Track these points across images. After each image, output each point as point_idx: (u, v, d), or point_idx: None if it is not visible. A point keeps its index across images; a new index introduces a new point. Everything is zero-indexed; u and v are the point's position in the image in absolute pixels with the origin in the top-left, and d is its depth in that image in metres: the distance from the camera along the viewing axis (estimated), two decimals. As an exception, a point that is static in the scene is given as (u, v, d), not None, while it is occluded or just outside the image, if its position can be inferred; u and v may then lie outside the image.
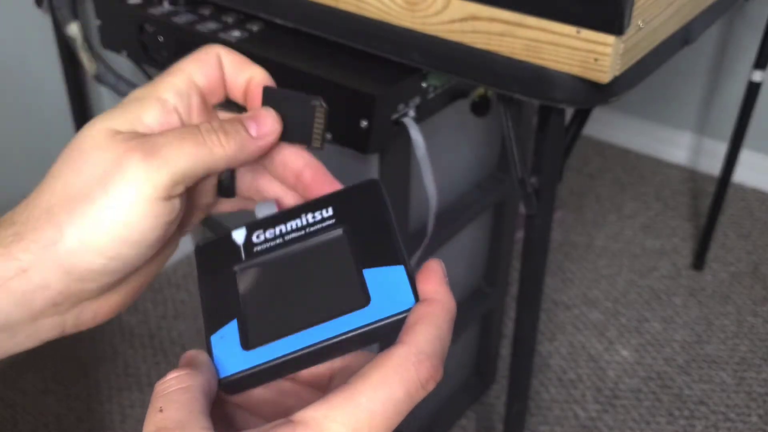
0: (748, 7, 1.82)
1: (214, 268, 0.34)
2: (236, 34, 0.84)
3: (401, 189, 0.89)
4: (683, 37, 0.74)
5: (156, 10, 0.89)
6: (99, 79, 1.26)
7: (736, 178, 1.91)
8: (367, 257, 0.32)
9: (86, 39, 1.22)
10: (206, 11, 0.88)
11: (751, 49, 1.52)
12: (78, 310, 0.33)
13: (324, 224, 0.34)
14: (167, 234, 0.32)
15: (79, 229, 0.30)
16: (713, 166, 1.98)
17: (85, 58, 1.22)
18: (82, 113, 1.35)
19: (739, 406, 1.41)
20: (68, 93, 1.32)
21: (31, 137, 1.33)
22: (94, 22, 0.99)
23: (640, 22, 0.62)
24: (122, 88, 1.28)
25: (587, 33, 0.60)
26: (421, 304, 0.30)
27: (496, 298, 1.25)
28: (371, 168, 0.84)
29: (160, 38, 0.88)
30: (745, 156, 1.80)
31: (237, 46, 0.82)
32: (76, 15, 1.19)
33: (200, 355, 0.31)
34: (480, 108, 0.89)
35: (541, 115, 0.76)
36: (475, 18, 0.65)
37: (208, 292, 0.33)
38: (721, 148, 1.65)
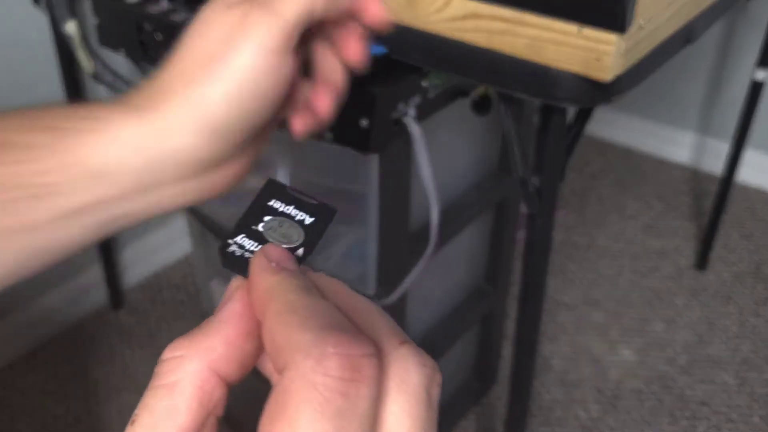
0: (751, 6, 1.81)
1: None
2: (235, 32, 0.83)
3: (401, 189, 0.88)
4: (685, 36, 0.73)
5: (154, 9, 0.88)
6: (97, 77, 1.25)
7: (738, 177, 1.90)
8: None
9: (84, 37, 1.21)
10: (205, 9, 0.88)
11: (753, 48, 1.51)
12: (202, 176, 0.36)
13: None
14: (281, 95, 0.35)
15: (218, 84, 0.33)
16: (716, 165, 1.97)
17: (82, 56, 1.22)
18: (81, 112, 1.34)
19: (741, 407, 1.40)
20: (66, 91, 1.32)
21: (29, 136, 1.33)
22: (92, 20, 0.98)
23: (642, 21, 0.61)
24: (120, 87, 1.27)
25: (589, 31, 0.59)
26: None
27: (497, 298, 1.24)
28: (371, 168, 0.83)
29: (158, 36, 0.87)
30: (748, 155, 1.79)
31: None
32: (73, 13, 1.19)
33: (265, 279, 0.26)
34: (481, 107, 0.88)
35: (542, 114, 0.76)
36: (476, 16, 0.65)
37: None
38: (724, 148, 1.65)
